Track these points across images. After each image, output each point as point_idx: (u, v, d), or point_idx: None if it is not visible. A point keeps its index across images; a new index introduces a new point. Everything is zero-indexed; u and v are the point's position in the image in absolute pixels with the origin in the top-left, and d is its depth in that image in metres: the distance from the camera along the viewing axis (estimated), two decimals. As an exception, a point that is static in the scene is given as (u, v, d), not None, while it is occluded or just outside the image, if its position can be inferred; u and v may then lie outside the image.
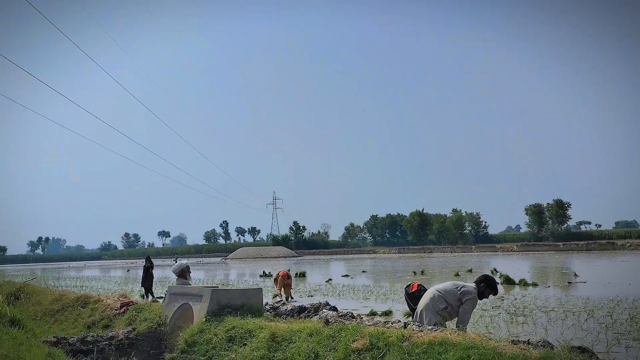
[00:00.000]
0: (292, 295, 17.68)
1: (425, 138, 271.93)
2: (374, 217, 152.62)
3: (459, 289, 7.00)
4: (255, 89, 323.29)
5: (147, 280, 18.75)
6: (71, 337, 8.22)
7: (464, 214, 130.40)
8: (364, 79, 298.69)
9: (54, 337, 7.98)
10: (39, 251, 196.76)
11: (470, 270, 30.62)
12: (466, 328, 6.64)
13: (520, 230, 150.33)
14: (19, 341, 5.82)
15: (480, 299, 7.22)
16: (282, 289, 17.37)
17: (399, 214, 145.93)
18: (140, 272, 19.47)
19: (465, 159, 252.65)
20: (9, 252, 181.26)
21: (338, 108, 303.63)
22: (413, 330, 5.72)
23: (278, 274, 17.90)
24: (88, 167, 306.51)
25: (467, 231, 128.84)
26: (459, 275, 26.66)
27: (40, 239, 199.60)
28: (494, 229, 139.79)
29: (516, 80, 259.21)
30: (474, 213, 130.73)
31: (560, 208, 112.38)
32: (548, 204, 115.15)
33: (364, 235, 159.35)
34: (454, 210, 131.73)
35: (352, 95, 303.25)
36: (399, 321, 6.86)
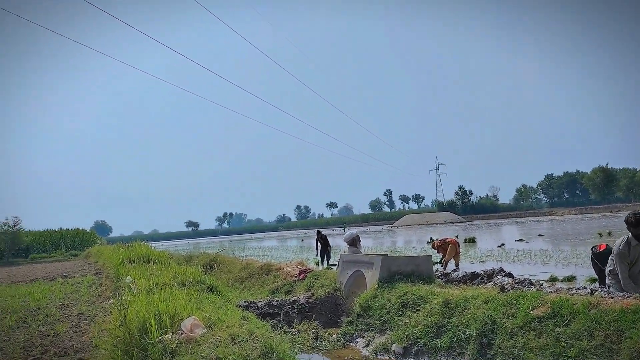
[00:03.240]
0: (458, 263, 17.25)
1: (602, 84, 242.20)
2: (549, 177, 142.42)
3: None
4: (411, 59, 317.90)
5: (323, 250, 19.94)
6: (259, 301, 9.12)
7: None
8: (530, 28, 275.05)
9: (245, 301, 8.92)
10: (225, 225, 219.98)
11: (670, 230, 26.75)
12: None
13: None
14: (217, 305, 6.62)
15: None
16: (453, 257, 17.00)
17: (578, 171, 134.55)
18: (313, 242, 20.88)
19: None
20: (201, 227, 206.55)
21: (499, 62, 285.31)
22: (601, 297, 5.26)
23: (445, 240, 17.46)
24: (262, 149, 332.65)
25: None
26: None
27: (225, 214, 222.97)
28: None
29: None
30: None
31: None
32: None
33: (538, 197, 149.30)
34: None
35: (511, 47, 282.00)
36: (585, 287, 6.35)
